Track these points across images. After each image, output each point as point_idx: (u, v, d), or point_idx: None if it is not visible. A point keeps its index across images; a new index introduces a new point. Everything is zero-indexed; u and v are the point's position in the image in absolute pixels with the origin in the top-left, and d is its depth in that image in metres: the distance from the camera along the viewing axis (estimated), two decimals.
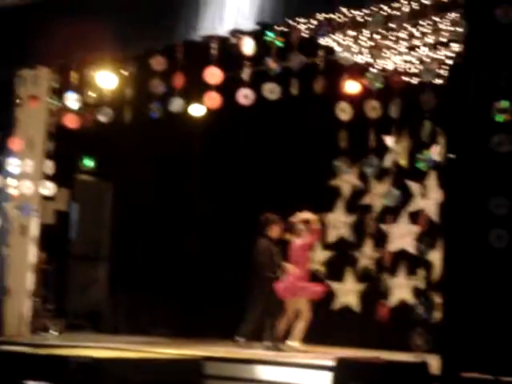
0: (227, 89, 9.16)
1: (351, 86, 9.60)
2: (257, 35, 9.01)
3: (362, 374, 6.67)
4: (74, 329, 12.39)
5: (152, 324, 12.65)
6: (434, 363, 6.74)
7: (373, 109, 8.59)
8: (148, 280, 12.67)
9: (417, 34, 8.83)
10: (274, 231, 9.91)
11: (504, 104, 6.98)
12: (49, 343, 9.67)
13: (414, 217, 10.83)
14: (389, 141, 10.56)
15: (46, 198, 11.46)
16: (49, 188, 10.38)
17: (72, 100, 9.97)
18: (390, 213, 10.39)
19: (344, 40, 9.01)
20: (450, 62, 8.39)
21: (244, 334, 9.90)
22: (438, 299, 9.08)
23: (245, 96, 8.99)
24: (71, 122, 10.14)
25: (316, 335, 10.29)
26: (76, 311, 13.13)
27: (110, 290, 13.29)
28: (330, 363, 6.98)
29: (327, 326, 9.95)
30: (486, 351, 6.78)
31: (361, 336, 10.18)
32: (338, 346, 10.01)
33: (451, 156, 6.87)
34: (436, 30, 8.66)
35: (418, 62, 9.06)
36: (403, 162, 10.62)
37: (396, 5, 8.31)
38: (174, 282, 12.68)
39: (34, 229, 11.12)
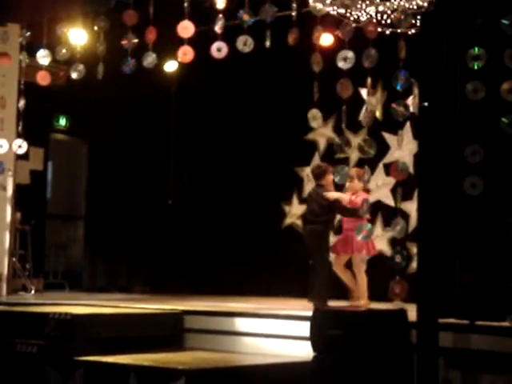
0: (201, 43, 9.07)
1: (325, 38, 9.53)
2: None
3: (341, 322, 6.71)
4: (53, 288, 12.41)
5: (131, 281, 12.68)
6: (412, 311, 6.80)
7: (346, 59, 8.51)
8: (125, 237, 12.66)
9: None
10: (329, 180, 9.55)
11: (477, 51, 6.99)
12: (27, 302, 9.66)
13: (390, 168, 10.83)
14: (363, 93, 10.54)
15: (21, 158, 11.37)
16: (22, 147, 10.25)
17: (44, 57, 9.82)
18: (367, 165, 10.38)
19: None
20: (423, 10, 8.33)
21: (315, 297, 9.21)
22: (414, 249, 9.13)
23: (218, 49, 8.90)
24: (43, 79, 10.00)
25: (299, 289, 10.43)
26: (54, 270, 13.14)
27: (88, 249, 13.27)
28: (309, 314, 7.02)
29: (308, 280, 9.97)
30: (461, 298, 6.86)
31: (340, 287, 10.22)
32: None
33: (425, 104, 6.87)
34: None
35: (390, 12, 8.99)
36: (378, 113, 10.62)
37: None
38: (151, 239, 12.68)
39: (9, 189, 11.05)
